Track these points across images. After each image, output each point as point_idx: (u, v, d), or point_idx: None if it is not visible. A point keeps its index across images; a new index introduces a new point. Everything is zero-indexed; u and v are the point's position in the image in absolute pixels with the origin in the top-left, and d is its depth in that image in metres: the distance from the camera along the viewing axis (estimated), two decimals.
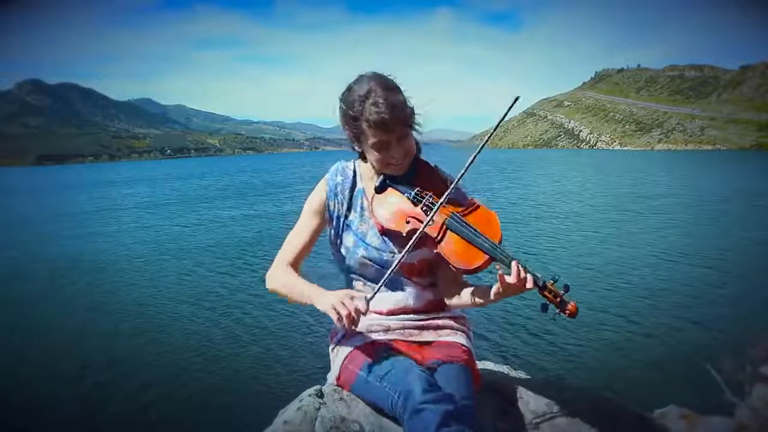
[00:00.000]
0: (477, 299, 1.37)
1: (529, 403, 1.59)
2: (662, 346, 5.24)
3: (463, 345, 1.49)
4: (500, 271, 1.24)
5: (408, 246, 1.31)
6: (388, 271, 1.32)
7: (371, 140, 1.36)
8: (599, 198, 18.68)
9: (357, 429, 1.32)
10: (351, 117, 1.36)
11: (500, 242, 1.31)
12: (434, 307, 1.52)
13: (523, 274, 1.22)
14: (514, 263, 1.23)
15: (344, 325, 1.25)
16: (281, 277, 1.47)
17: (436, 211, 1.32)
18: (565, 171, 35.88)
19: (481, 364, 1.90)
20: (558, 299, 1.21)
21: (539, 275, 1.23)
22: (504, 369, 1.92)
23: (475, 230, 1.31)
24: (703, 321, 5.92)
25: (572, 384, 1.83)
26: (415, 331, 1.49)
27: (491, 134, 1.36)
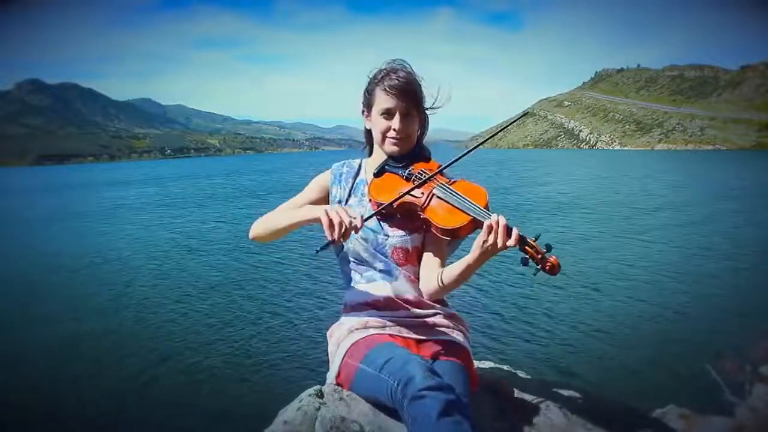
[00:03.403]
0: (458, 270, 1.37)
1: (529, 402, 1.60)
2: (662, 346, 5.23)
3: (459, 343, 1.50)
4: (484, 225, 1.28)
5: (395, 199, 1.40)
6: (376, 211, 1.42)
7: (381, 106, 1.49)
8: (598, 197, 18.68)
9: (357, 429, 1.32)
10: (371, 84, 1.53)
11: (486, 208, 1.36)
12: (432, 304, 1.53)
13: (503, 226, 1.25)
14: (494, 215, 1.28)
15: (333, 235, 1.28)
16: (267, 218, 1.54)
17: (426, 180, 1.42)
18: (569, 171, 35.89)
19: (480, 364, 1.90)
20: (539, 255, 1.24)
21: (518, 231, 1.27)
22: (503, 369, 1.93)
23: (460, 195, 1.38)
24: (703, 321, 5.92)
25: (572, 384, 1.83)
26: (412, 329, 1.49)
27: (493, 135, 1.43)
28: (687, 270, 8.20)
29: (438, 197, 1.40)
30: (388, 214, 1.48)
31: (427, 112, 1.58)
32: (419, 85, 1.52)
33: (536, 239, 1.26)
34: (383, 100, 1.48)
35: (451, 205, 1.37)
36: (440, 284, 1.41)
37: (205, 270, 9.24)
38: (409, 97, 1.48)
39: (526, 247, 1.25)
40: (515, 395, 1.64)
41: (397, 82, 1.47)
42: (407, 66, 1.53)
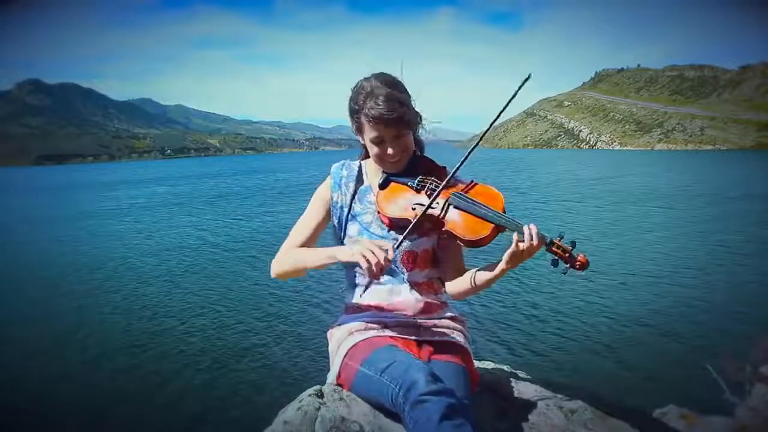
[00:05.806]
0: (484, 276, 1.38)
1: (529, 402, 1.59)
2: (662, 346, 5.24)
3: (460, 345, 1.50)
4: (514, 237, 1.28)
5: (414, 220, 1.35)
6: (403, 235, 1.35)
7: (369, 134, 1.43)
8: (597, 197, 18.67)
9: (357, 429, 1.31)
10: (354, 110, 1.45)
11: (503, 212, 1.35)
12: (433, 306, 1.53)
13: (534, 234, 1.27)
14: (525, 227, 1.28)
15: (372, 274, 1.29)
16: (290, 256, 1.51)
17: (441, 190, 1.37)
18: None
19: (480, 364, 1.90)
20: (567, 254, 1.26)
21: (546, 234, 1.28)
22: (503, 369, 1.92)
23: (478, 203, 1.36)
24: (703, 321, 5.92)
25: (572, 384, 1.83)
26: (413, 330, 1.49)
27: (501, 112, 1.38)
28: (687, 270, 8.20)
29: (456, 207, 1.38)
30: (401, 222, 1.44)
31: (417, 110, 1.50)
32: (404, 99, 1.40)
33: (561, 239, 1.27)
34: (370, 129, 1.41)
35: (471, 214, 1.35)
36: (472, 285, 1.42)
37: (203, 271, 9.24)
38: (395, 122, 1.38)
39: (554, 249, 1.26)
40: (515, 395, 1.64)
41: (378, 111, 1.36)
42: (386, 77, 1.43)
